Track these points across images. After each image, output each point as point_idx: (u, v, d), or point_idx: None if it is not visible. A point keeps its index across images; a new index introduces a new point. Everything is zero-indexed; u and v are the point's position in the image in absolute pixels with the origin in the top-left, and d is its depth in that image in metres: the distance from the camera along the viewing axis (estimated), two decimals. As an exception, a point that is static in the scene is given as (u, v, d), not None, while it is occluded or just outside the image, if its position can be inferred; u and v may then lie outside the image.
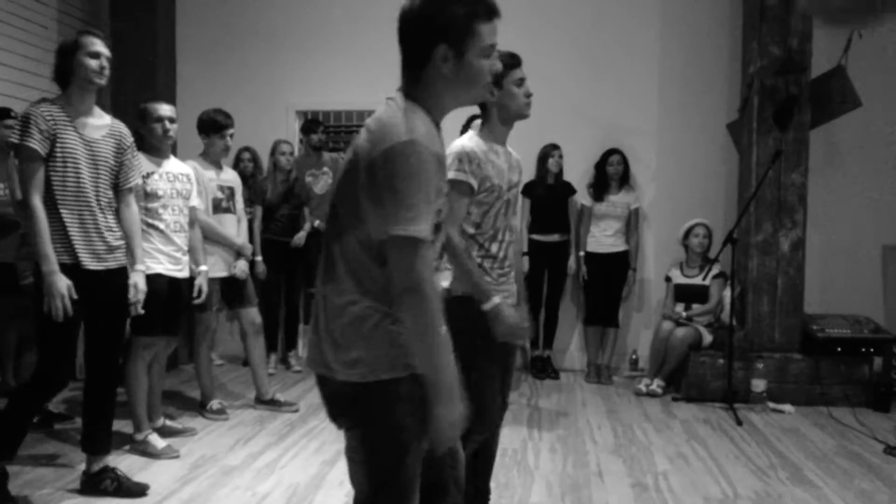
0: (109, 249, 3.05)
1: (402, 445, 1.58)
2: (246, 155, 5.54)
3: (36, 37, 5.28)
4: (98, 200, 3.01)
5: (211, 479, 3.36)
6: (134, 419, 3.68)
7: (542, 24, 5.91)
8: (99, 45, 2.98)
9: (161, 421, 3.95)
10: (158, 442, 3.67)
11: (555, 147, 5.52)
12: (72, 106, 2.97)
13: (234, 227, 4.40)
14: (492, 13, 1.60)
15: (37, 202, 2.84)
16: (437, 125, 1.63)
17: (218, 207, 4.30)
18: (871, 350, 4.97)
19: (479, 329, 2.30)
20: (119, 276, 3.12)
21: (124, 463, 3.50)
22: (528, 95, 2.48)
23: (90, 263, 2.98)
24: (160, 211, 3.69)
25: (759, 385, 4.85)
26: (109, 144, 3.07)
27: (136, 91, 5.45)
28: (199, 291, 4.00)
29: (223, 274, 4.33)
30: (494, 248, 2.47)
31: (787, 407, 4.77)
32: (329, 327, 1.60)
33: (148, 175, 3.66)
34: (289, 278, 5.66)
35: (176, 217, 3.75)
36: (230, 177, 4.45)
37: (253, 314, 4.45)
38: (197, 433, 4.02)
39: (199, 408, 4.42)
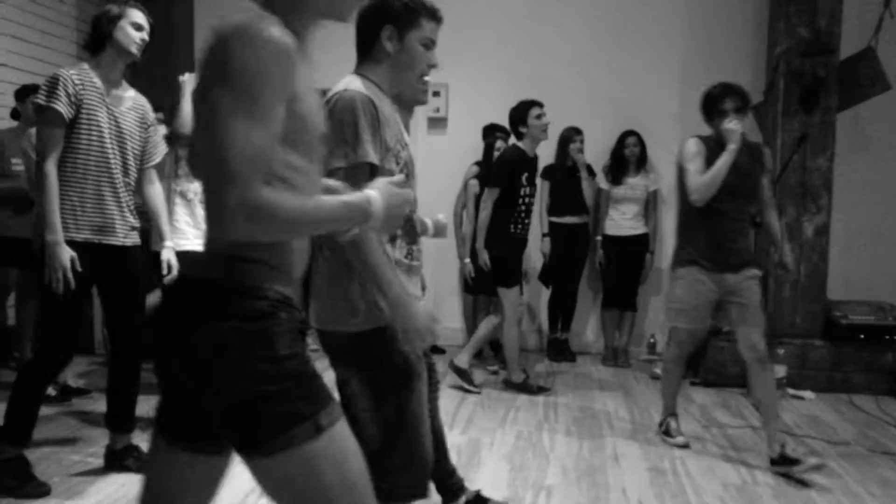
0: (129, 227, 3.00)
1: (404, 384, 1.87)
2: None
3: (52, 11, 5.27)
4: (123, 175, 2.95)
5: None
6: None
7: (562, 6, 5.83)
8: (142, 19, 2.92)
9: None
10: None
11: (577, 132, 5.44)
12: (102, 73, 2.90)
13: None
14: (432, 14, 1.94)
15: (51, 168, 2.76)
16: (388, 97, 1.94)
17: None
18: (895, 337, 4.88)
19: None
20: (133, 254, 3.05)
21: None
22: None
23: (105, 238, 2.92)
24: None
25: (779, 371, 4.78)
26: (134, 118, 3.00)
27: (153, 76, 5.42)
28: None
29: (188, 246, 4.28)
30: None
31: (808, 393, 4.71)
32: (329, 287, 1.88)
33: None
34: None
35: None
36: None
37: None
38: None
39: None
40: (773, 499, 3.05)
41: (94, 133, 2.86)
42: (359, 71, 1.94)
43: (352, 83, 1.86)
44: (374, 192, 1.34)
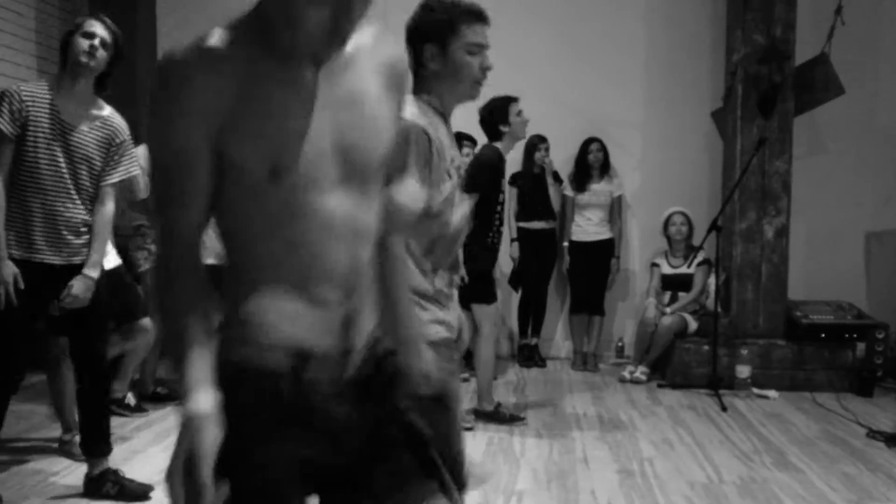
0: (83, 245, 2.91)
1: None
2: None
3: (11, 24, 5.19)
4: (78, 192, 2.88)
5: (195, 470, 3.33)
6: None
7: (526, 14, 5.89)
8: (96, 27, 2.83)
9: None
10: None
11: (542, 139, 5.50)
12: (60, 89, 2.83)
13: None
14: (476, 17, 1.84)
15: None
16: (443, 116, 1.90)
17: None
18: (855, 336, 5.01)
19: None
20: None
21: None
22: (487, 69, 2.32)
23: (54, 258, 2.85)
24: None
25: (743, 371, 4.88)
26: (94, 136, 2.91)
27: (116, 88, 5.37)
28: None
29: (210, 262, 4.27)
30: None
31: (772, 392, 4.80)
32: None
33: None
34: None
35: None
36: None
37: None
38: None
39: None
40: (738, 497, 3.10)
41: (43, 151, 2.79)
42: (415, 91, 1.87)
43: (407, 109, 1.76)
44: (200, 418, 1.02)
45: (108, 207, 3.04)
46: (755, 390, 4.84)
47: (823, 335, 4.99)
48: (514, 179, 5.53)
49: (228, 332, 1.12)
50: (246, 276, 1.12)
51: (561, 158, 5.69)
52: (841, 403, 4.59)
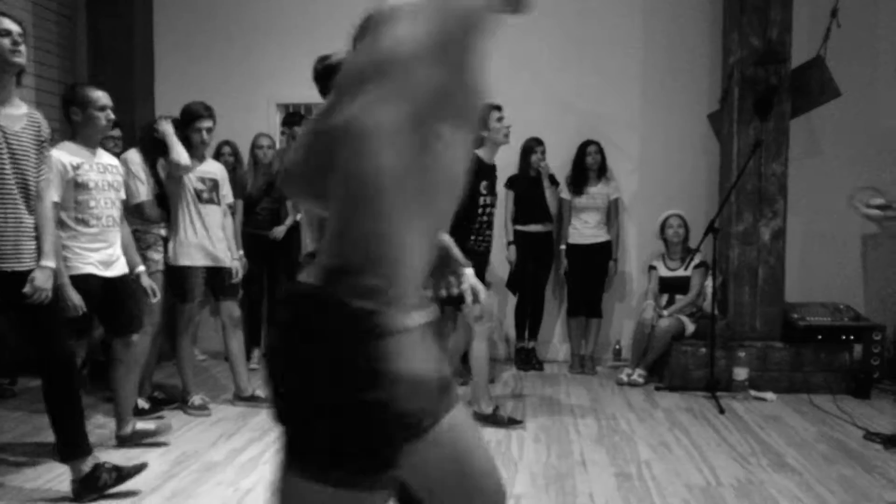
0: (32, 249, 2.89)
1: None
2: (226, 149, 5.49)
3: None
4: (26, 198, 2.86)
5: (193, 475, 3.33)
6: None
7: (524, 18, 5.89)
8: (7, 23, 2.75)
9: (131, 426, 3.67)
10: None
11: (538, 142, 5.51)
12: None
13: (219, 218, 4.37)
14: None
15: None
16: None
17: (200, 198, 4.27)
18: (851, 337, 5.02)
19: None
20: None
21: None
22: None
23: (20, 265, 2.84)
24: (91, 203, 3.39)
25: (740, 373, 4.88)
26: (29, 137, 2.88)
27: (114, 86, 5.34)
28: (153, 291, 3.84)
29: (206, 263, 4.28)
30: None
31: (769, 395, 4.81)
32: None
33: (78, 165, 3.33)
34: (271, 272, 5.61)
35: (109, 211, 3.48)
36: (213, 168, 4.42)
37: (231, 307, 4.43)
38: (172, 431, 3.86)
39: (181, 403, 4.38)
40: (736, 500, 3.11)
41: None
42: None
43: None
44: None
45: (47, 202, 3.01)
46: (752, 392, 4.84)
47: (820, 337, 5.01)
48: (511, 183, 5.54)
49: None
50: (391, 254, 1.08)
51: (558, 161, 5.70)
52: (838, 405, 4.60)
